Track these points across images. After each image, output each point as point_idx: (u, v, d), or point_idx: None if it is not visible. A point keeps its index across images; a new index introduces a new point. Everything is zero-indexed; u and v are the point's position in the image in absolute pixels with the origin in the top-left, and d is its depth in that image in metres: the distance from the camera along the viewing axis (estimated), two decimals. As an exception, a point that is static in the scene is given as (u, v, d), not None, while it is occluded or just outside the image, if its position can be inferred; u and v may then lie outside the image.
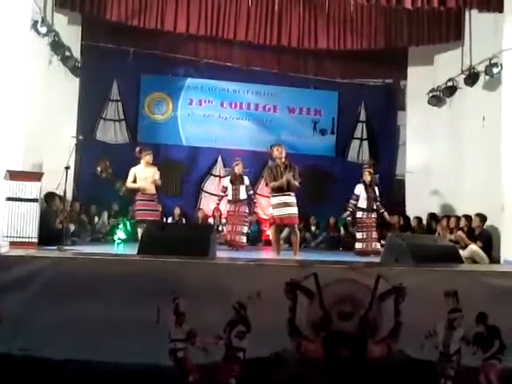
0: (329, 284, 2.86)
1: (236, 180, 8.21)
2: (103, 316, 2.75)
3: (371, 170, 8.08)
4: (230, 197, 8.22)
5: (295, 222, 6.71)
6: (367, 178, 7.96)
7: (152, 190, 6.92)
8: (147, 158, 6.98)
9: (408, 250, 3.63)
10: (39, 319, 2.76)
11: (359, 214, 7.94)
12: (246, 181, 8.32)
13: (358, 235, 7.95)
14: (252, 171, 9.29)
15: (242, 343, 2.77)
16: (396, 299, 2.87)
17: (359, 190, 7.92)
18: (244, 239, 8.21)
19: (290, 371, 2.82)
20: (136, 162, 7.10)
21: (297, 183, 6.59)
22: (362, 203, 7.88)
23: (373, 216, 7.93)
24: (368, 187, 7.91)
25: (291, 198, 6.58)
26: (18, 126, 6.70)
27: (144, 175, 6.89)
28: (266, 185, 7.02)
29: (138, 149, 7.19)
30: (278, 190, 6.57)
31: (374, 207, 7.94)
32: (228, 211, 8.47)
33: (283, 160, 6.66)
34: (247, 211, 8.32)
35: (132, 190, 7.03)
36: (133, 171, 6.93)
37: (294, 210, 6.60)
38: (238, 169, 8.27)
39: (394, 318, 2.86)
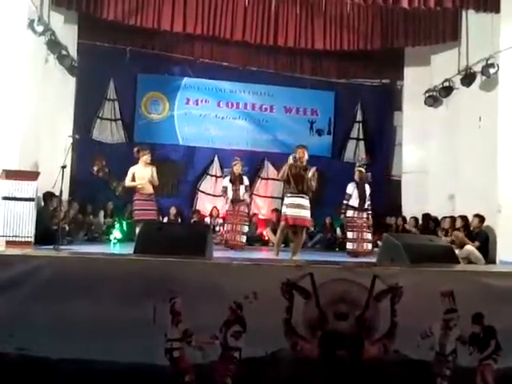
0: (325, 284, 2.86)
1: (236, 180, 8.19)
2: (99, 315, 2.74)
3: (362, 169, 8.00)
4: (230, 196, 8.20)
5: (307, 224, 6.73)
6: (357, 176, 7.90)
7: (150, 189, 6.92)
8: (145, 157, 6.98)
9: (404, 250, 3.62)
10: (35, 318, 2.75)
11: (350, 213, 7.83)
12: (246, 181, 8.29)
13: (349, 235, 7.87)
14: (249, 171, 9.27)
15: (238, 343, 2.77)
16: (392, 299, 2.86)
17: (351, 188, 7.84)
18: (244, 239, 8.17)
19: (286, 371, 2.81)
20: (132, 160, 7.10)
21: (314, 184, 6.54)
22: (354, 202, 7.80)
23: (364, 216, 7.82)
24: (359, 186, 7.83)
25: (305, 201, 6.52)
26: (14, 125, 6.69)
27: (142, 175, 6.88)
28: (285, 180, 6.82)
29: (135, 149, 7.19)
30: (294, 191, 6.51)
31: (365, 207, 7.83)
32: (227, 210, 8.42)
33: (304, 162, 6.62)
34: (247, 211, 8.28)
35: (130, 189, 7.03)
36: (131, 170, 6.93)
37: (308, 213, 6.56)
38: (237, 168, 8.25)
39: (390, 318, 2.86)
